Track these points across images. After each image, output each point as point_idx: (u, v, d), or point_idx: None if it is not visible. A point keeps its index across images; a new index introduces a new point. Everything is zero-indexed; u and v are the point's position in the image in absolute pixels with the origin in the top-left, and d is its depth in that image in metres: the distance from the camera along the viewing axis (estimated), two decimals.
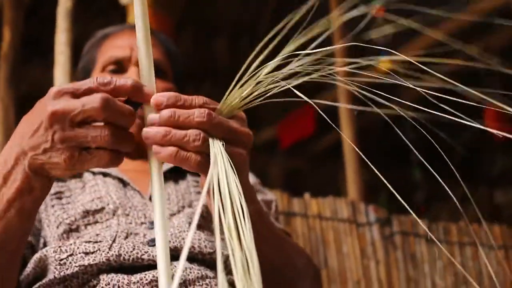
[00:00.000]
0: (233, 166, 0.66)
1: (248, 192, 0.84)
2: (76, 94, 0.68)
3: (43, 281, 0.96)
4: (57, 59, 2.18)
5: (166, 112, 0.70)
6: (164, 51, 1.30)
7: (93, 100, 0.66)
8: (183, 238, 0.98)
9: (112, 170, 1.15)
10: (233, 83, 0.71)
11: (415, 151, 0.62)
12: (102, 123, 0.69)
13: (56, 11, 2.28)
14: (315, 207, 2.18)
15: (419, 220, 0.65)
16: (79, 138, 0.67)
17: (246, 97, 0.72)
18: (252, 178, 1.26)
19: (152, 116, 0.70)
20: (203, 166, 0.69)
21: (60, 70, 2.14)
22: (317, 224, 2.15)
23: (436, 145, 0.63)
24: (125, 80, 0.69)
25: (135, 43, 1.24)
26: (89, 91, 0.68)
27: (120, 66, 1.24)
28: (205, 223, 1.05)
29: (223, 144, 0.70)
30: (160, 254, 0.69)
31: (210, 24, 4.42)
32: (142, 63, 0.74)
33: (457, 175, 0.63)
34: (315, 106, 0.69)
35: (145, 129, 0.71)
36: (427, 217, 2.47)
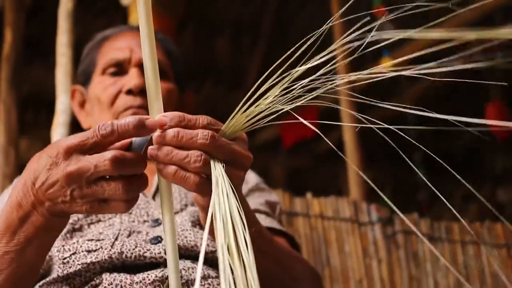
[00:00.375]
0: (232, 187, 0.67)
1: (249, 214, 0.85)
2: (83, 151, 0.70)
3: (47, 279, 0.97)
4: (59, 60, 2.18)
5: (170, 132, 0.71)
6: (164, 51, 1.30)
7: (104, 162, 0.68)
8: (185, 237, 0.99)
9: None
10: (239, 106, 0.71)
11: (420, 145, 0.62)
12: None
13: (57, 12, 2.29)
14: (317, 207, 2.18)
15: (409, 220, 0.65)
16: (97, 195, 0.70)
17: (250, 119, 0.72)
18: (256, 178, 1.26)
19: (157, 135, 0.72)
20: (201, 187, 0.71)
21: (62, 71, 2.15)
22: (319, 223, 2.15)
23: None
24: (127, 122, 0.70)
25: (135, 44, 1.25)
26: (95, 146, 0.70)
27: (120, 68, 1.24)
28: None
29: (223, 166, 0.71)
30: (170, 256, 0.72)
31: (211, 23, 4.43)
32: (148, 78, 0.74)
33: (457, 175, 0.63)
34: (315, 129, 0.69)
35: (150, 148, 0.72)
36: (430, 216, 2.47)
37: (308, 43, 0.69)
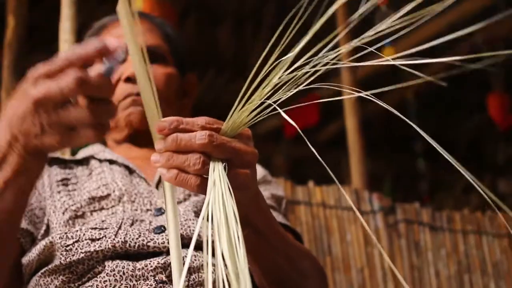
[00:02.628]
0: (230, 189, 0.67)
1: (262, 211, 0.86)
2: (50, 76, 0.69)
3: (49, 266, 0.97)
4: (62, 47, 2.17)
5: (169, 138, 0.72)
6: (161, 36, 1.29)
7: (68, 81, 0.67)
8: (189, 226, 0.99)
9: (119, 158, 1.16)
10: (236, 102, 0.71)
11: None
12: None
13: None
14: (319, 195, 2.18)
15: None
16: (64, 121, 0.69)
17: (250, 114, 0.72)
18: (262, 170, 1.25)
19: (158, 143, 0.73)
20: (203, 188, 0.71)
21: None
22: (321, 212, 2.16)
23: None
24: (90, 46, 0.69)
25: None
26: (62, 70, 0.69)
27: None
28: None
29: (225, 167, 0.71)
30: (172, 244, 0.73)
31: (214, 12, 4.41)
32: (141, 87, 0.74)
33: (457, 166, 0.63)
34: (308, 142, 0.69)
35: (152, 155, 0.73)
36: (431, 205, 2.47)
37: (310, 36, 0.69)
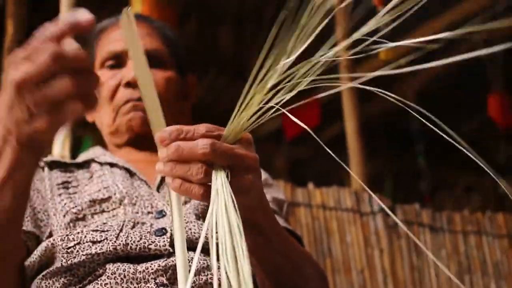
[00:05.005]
0: (233, 197, 0.67)
1: (267, 216, 0.86)
2: (28, 58, 0.68)
3: (50, 269, 0.97)
4: None
5: (171, 148, 0.72)
6: (161, 39, 1.29)
7: (42, 58, 0.67)
8: (190, 229, 1.00)
9: (119, 161, 1.16)
10: (236, 108, 0.71)
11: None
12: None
13: (59, 3, 2.28)
14: (318, 197, 2.18)
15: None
16: (48, 97, 0.68)
17: (250, 119, 0.72)
18: (263, 173, 1.25)
19: (161, 153, 0.73)
20: (208, 196, 0.71)
21: None
22: (321, 213, 2.16)
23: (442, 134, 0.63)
24: (62, 22, 0.69)
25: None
26: (37, 50, 0.68)
27: (118, 60, 1.24)
28: None
29: (227, 175, 0.71)
30: (178, 246, 0.74)
31: (214, 12, 4.41)
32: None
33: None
34: (313, 134, 0.69)
35: (157, 164, 0.74)
36: (431, 206, 2.47)
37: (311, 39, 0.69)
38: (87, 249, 0.96)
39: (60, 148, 2.02)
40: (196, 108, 1.40)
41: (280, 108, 0.70)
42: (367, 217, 2.19)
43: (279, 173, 4.37)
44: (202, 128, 0.73)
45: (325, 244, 2.11)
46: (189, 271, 0.88)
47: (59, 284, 0.96)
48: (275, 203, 1.18)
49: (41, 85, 0.68)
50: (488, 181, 4.81)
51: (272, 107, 0.71)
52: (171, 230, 0.97)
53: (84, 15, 0.69)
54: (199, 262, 0.96)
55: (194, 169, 0.71)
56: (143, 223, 1.01)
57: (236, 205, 0.67)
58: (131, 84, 1.19)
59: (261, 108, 0.71)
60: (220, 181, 0.70)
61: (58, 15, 2.24)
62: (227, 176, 0.71)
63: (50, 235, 1.03)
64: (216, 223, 0.64)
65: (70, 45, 0.68)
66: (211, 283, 0.93)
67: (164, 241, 0.96)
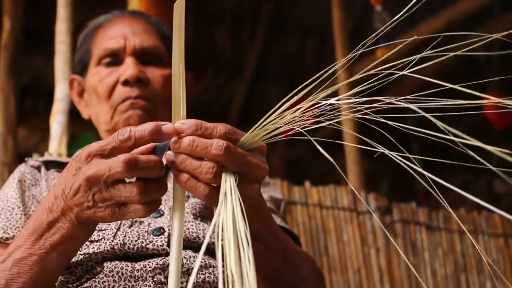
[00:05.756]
0: (241, 202, 0.67)
1: (268, 222, 0.88)
2: (103, 155, 0.73)
3: None
4: (58, 49, 2.17)
5: (185, 140, 0.71)
6: (158, 36, 1.28)
7: (117, 164, 0.70)
8: (187, 228, 0.99)
9: None
10: (261, 120, 0.71)
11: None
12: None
13: (56, 0, 2.28)
14: (315, 196, 2.18)
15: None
16: (115, 198, 0.72)
17: (270, 132, 0.71)
18: None
19: (173, 141, 0.73)
20: (211, 197, 0.72)
21: (61, 59, 2.14)
22: (318, 212, 2.16)
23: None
24: (143, 128, 0.72)
25: (129, 31, 1.24)
26: (115, 151, 0.72)
27: (115, 58, 1.23)
28: (209, 214, 1.06)
29: (236, 179, 0.71)
30: (174, 245, 0.74)
31: (211, 12, 4.41)
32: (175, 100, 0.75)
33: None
34: (324, 153, 0.70)
35: (167, 153, 0.74)
36: (428, 205, 2.48)
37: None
38: (84, 248, 0.96)
39: (57, 145, 2.02)
40: (192, 107, 1.40)
41: (306, 134, 0.71)
42: (363, 216, 2.20)
43: (275, 172, 4.37)
44: (222, 128, 0.73)
45: (321, 243, 2.11)
46: (182, 270, 0.88)
47: (56, 282, 0.96)
48: (272, 202, 1.18)
49: (110, 184, 0.71)
50: (483, 181, 4.82)
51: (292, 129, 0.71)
52: (169, 229, 0.97)
53: (168, 127, 0.72)
54: (202, 261, 0.95)
55: (205, 168, 0.71)
56: (141, 222, 1.00)
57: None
58: (129, 82, 1.19)
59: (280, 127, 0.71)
60: (229, 184, 0.69)
61: (55, 13, 2.23)
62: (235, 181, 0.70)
63: None
64: (222, 225, 0.64)
65: (156, 151, 0.73)
66: (209, 282, 0.93)
67: (162, 240, 0.96)
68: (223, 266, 0.58)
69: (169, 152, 0.73)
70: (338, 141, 0.73)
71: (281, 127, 0.71)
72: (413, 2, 0.64)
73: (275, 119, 0.70)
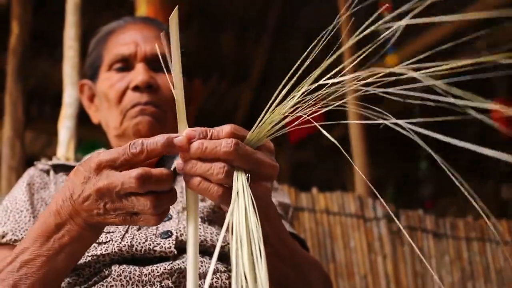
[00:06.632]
0: (253, 200, 0.68)
1: (275, 221, 0.87)
2: (114, 167, 0.73)
3: None
4: (66, 53, 2.18)
5: (194, 144, 0.72)
6: (169, 43, 1.29)
7: (130, 179, 0.71)
8: None
9: None
10: (262, 114, 0.71)
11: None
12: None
13: (64, 5, 2.29)
14: (322, 202, 2.18)
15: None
16: (127, 209, 0.73)
17: (274, 126, 0.72)
18: None
19: (183, 154, 0.74)
20: (224, 198, 0.72)
21: (69, 64, 2.15)
22: (325, 218, 2.16)
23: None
24: (155, 141, 0.72)
25: (140, 38, 1.25)
26: (126, 163, 0.72)
27: (126, 64, 1.24)
28: (216, 218, 1.07)
29: (248, 177, 0.71)
30: (190, 252, 0.73)
31: (216, 18, 4.42)
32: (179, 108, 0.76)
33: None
34: (332, 139, 0.70)
35: (177, 162, 0.75)
36: (434, 211, 2.47)
37: (316, 40, 0.69)
38: (92, 250, 0.96)
39: (64, 150, 2.02)
40: (198, 112, 1.40)
41: (311, 120, 0.71)
42: (370, 222, 2.19)
43: (282, 176, 4.37)
44: (228, 127, 0.73)
45: (328, 249, 2.11)
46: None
47: (64, 284, 0.96)
48: (281, 208, 1.19)
49: (123, 197, 0.72)
50: (490, 187, 4.81)
51: (294, 119, 0.71)
52: (176, 232, 0.98)
53: (180, 140, 0.72)
54: (206, 266, 0.96)
55: (216, 168, 0.71)
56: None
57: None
58: (139, 88, 1.20)
59: (285, 117, 0.71)
60: (241, 183, 0.69)
61: (63, 17, 2.24)
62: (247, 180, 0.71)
63: None
64: (233, 225, 0.64)
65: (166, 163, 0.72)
66: (216, 287, 0.94)
67: (170, 243, 0.96)
68: (236, 267, 0.59)
69: (178, 160, 0.74)
70: (337, 144, 0.73)
71: (285, 117, 0.71)
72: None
73: (275, 108, 0.71)
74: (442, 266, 2.23)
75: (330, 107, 0.70)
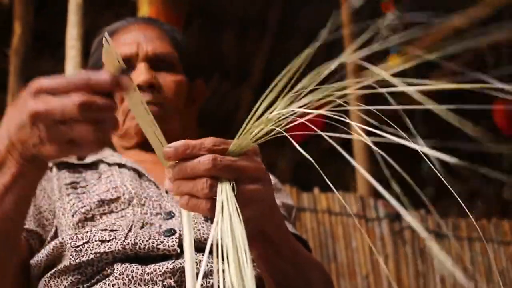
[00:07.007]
0: (238, 209, 0.68)
1: (281, 230, 0.88)
2: (53, 93, 0.69)
3: (58, 267, 0.98)
4: (68, 53, 2.19)
5: (175, 168, 0.74)
6: (170, 43, 1.30)
7: (70, 105, 0.67)
8: (198, 230, 1.00)
9: (128, 161, 1.16)
10: (245, 123, 0.72)
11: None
12: None
13: (66, 5, 2.29)
14: (324, 202, 2.18)
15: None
16: (64, 135, 0.69)
17: (257, 134, 0.73)
18: (272, 178, 1.25)
19: (168, 171, 0.76)
20: (214, 210, 0.72)
21: (71, 64, 2.15)
22: (327, 218, 2.16)
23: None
24: (101, 76, 0.69)
25: (142, 38, 1.25)
26: (67, 91, 0.68)
27: (128, 64, 1.24)
28: None
29: (233, 187, 0.72)
30: (187, 249, 0.76)
31: (217, 19, 4.42)
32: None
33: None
34: (329, 140, 0.70)
35: (166, 184, 0.77)
36: (437, 212, 2.47)
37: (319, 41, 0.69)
38: (95, 248, 0.96)
39: None
40: (199, 112, 1.40)
41: (284, 133, 0.71)
42: (372, 222, 2.19)
43: (284, 176, 4.37)
44: (208, 142, 0.74)
45: (330, 249, 2.11)
46: (197, 273, 0.88)
47: (67, 282, 0.96)
48: (284, 208, 1.19)
49: (59, 122, 0.68)
50: (492, 188, 4.80)
51: (278, 124, 0.71)
52: (180, 231, 0.98)
53: (126, 80, 0.71)
54: (207, 265, 0.96)
55: (199, 185, 0.72)
56: (151, 224, 1.01)
57: (244, 216, 0.67)
58: (141, 87, 1.20)
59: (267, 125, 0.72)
60: (225, 194, 0.71)
61: (65, 17, 2.25)
62: (233, 188, 0.72)
63: (55, 235, 1.04)
64: (221, 234, 0.65)
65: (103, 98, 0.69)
66: None
67: (173, 241, 0.96)
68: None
69: (167, 182, 0.76)
70: (336, 144, 0.73)
71: (266, 127, 0.72)
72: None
73: (257, 120, 0.71)
74: (443, 267, 2.23)
75: (314, 114, 0.70)
